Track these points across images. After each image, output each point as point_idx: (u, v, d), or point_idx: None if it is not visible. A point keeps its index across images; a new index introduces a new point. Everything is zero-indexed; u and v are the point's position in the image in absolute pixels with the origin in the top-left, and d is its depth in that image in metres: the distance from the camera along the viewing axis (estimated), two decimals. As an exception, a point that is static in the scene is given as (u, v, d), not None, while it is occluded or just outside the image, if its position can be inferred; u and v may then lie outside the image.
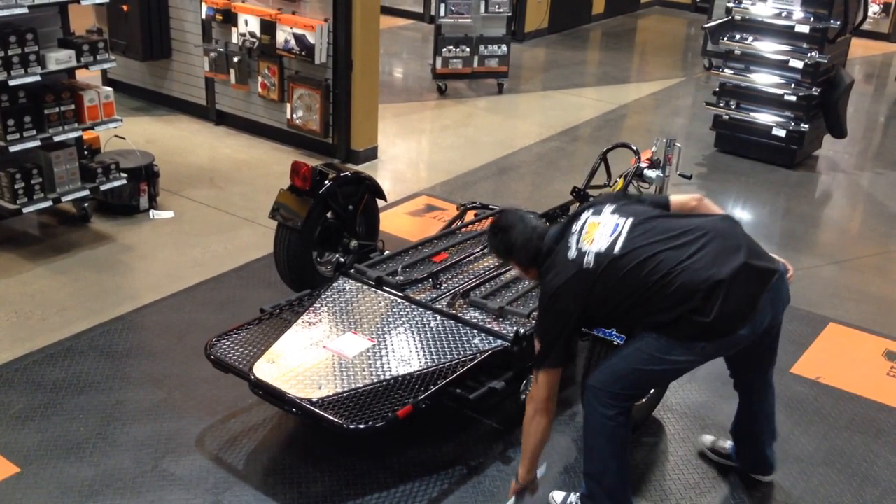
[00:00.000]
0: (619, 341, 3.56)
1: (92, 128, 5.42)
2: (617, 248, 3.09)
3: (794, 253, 5.20)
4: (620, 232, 3.12)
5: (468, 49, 8.91)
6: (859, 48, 11.70)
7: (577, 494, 3.45)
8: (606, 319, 3.34)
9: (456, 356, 3.73)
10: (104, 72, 7.73)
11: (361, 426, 3.31)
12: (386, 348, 3.79)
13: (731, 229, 3.15)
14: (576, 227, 3.24)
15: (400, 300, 4.13)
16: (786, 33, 7.20)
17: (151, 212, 5.91)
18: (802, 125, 7.34)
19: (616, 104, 9.19)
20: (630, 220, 3.15)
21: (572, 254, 3.16)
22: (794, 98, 7.30)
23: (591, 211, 3.27)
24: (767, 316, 3.11)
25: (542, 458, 3.34)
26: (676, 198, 3.38)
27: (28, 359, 4.28)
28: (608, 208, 3.24)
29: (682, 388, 4.33)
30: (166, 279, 5.09)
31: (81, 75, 5.63)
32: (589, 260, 3.10)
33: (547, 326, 3.21)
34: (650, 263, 3.03)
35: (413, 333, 3.90)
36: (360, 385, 3.53)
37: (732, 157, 7.60)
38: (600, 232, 3.14)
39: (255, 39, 6.96)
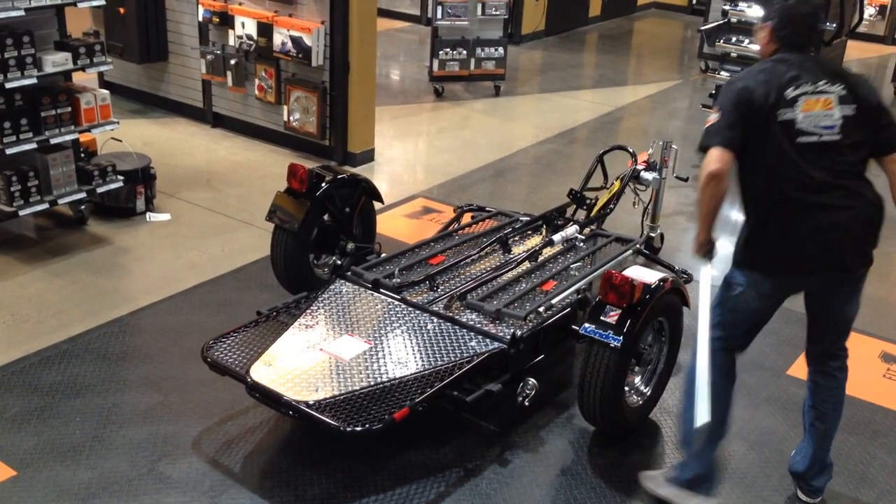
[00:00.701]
0: (615, 343, 3.57)
1: (88, 130, 5.42)
2: (803, 139, 3.16)
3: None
4: (825, 136, 3.17)
5: (465, 51, 8.91)
6: (855, 50, 11.71)
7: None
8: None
9: (453, 358, 3.73)
10: (101, 74, 7.73)
11: (358, 429, 3.31)
12: (383, 351, 3.78)
13: (872, 218, 3.26)
14: (819, 85, 3.20)
15: (397, 302, 4.13)
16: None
17: (148, 214, 5.90)
18: (799, 127, 7.32)
19: (613, 106, 9.20)
20: (838, 138, 3.18)
21: (788, 93, 3.17)
22: (790, 100, 7.29)
23: (841, 89, 3.21)
24: (816, 295, 3.41)
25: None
26: None
27: (24, 361, 4.27)
28: (848, 108, 3.20)
29: (678, 391, 4.33)
30: (163, 281, 5.09)
31: (78, 78, 5.63)
32: (787, 117, 3.16)
33: (724, 99, 3.27)
34: (800, 184, 3.16)
35: (410, 336, 3.90)
36: (357, 387, 3.53)
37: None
38: (818, 114, 3.17)
39: (251, 42, 6.97)
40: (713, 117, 3.27)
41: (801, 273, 3.30)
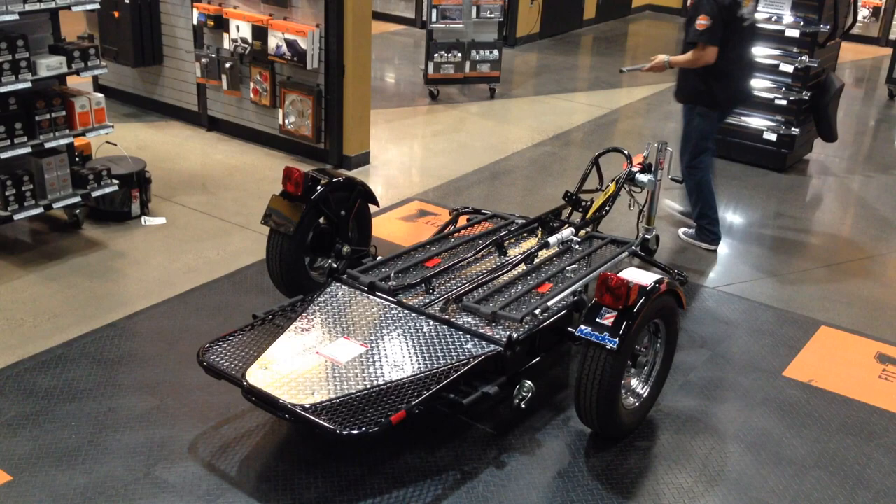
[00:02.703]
0: (611, 345, 3.57)
1: (83, 134, 5.42)
2: (745, 23, 5.46)
3: (785, 256, 5.21)
4: (751, 20, 5.55)
5: (460, 54, 8.92)
6: (849, 52, 11.75)
7: (692, 230, 5.94)
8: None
9: (449, 361, 3.73)
10: (95, 78, 7.73)
11: (355, 432, 3.31)
12: (379, 354, 3.78)
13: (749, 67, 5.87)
14: None
15: (393, 305, 4.13)
16: (776, 37, 7.23)
17: (143, 218, 5.90)
18: (793, 129, 7.36)
19: (608, 109, 9.22)
20: (753, 19, 5.56)
21: None
22: (784, 102, 7.33)
23: None
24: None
25: None
26: None
27: (19, 366, 4.26)
28: (754, 3, 5.57)
29: (675, 393, 4.34)
30: (158, 285, 5.08)
31: (73, 81, 5.62)
32: (741, 13, 5.41)
33: (710, 9, 5.29)
34: (742, 53, 5.57)
35: (406, 339, 3.90)
36: (354, 391, 3.53)
37: (723, 161, 7.62)
38: (750, 7, 5.48)
39: (246, 45, 6.97)
40: (703, 22, 5.27)
41: (732, 108, 5.96)
